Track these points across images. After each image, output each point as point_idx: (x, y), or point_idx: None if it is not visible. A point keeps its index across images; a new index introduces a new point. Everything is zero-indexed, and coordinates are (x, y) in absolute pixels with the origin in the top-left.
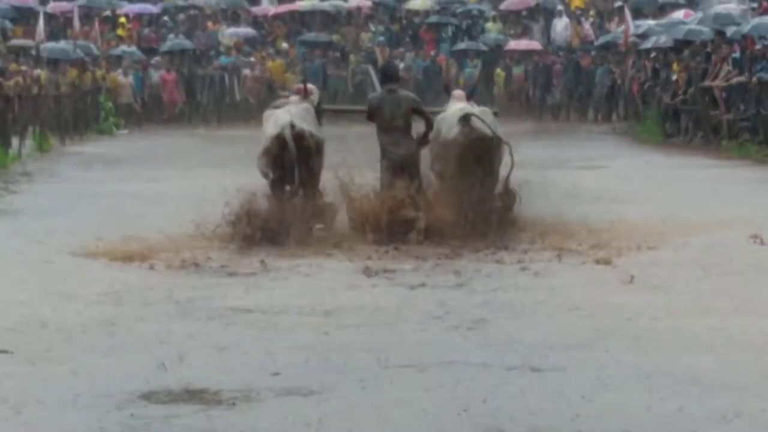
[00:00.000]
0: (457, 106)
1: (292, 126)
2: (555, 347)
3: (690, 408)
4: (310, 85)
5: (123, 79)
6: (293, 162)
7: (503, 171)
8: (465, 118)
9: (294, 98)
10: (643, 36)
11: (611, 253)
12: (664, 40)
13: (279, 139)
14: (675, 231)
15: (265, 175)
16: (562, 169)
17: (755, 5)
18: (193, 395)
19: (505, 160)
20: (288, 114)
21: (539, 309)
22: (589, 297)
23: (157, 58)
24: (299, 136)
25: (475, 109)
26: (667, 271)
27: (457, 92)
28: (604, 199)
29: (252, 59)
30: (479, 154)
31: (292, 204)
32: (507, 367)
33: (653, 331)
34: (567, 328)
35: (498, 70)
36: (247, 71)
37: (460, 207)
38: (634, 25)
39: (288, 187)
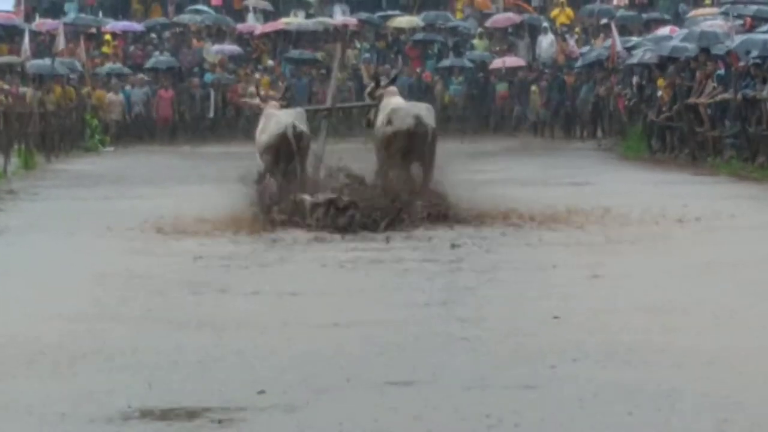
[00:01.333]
0: (394, 99)
1: (294, 127)
2: None
3: None
4: None
5: (113, 96)
6: (293, 155)
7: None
8: (417, 117)
9: (274, 103)
10: (631, 49)
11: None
12: (649, 56)
13: (282, 137)
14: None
15: (267, 165)
16: (543, 186)
17: (740, 22)
18: (179, 414)
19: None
20: (290, 117)
21: None
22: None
23: (141, 75)
24: (299, 136)
25: (420, 105)
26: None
27: (392, 88)
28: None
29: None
30: (421, 143)
31: (289, 186)
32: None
33: None
34: None
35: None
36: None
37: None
38: (620, 42)
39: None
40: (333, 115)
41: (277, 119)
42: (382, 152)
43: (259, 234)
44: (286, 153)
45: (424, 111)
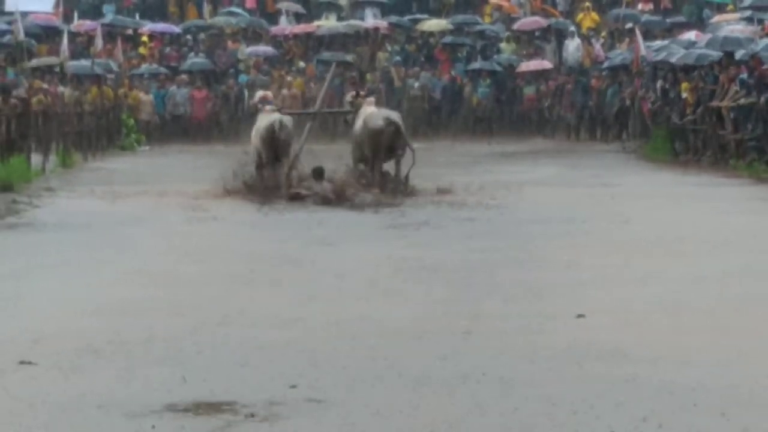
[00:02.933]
0: (371, 108)
1: (281, 121)
2: None
3: None
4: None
5: (144, 96)
6: (278, 144)
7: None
8: (388, 118)
9: (269, 107)
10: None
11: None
12: (675, 60)
13: (270, 128)
14: None
15: (259, 155)
16: (568, 187)
17: (760, 27)
18: (213, 407)
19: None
20: (278, 114)
21: None
22: None
23: (183, 76)
24: (284, 127)
25: (392, 112)
26: None
27: (369, 99)
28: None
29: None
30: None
31: (277, 172)
32: None
33: None
34: None
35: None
36: (285, 91)
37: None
38: (644, 46)
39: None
40: (317, 118)
41: (268, 118)
42: (365, 149)
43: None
44: (274, 142)
45: (394, 115)
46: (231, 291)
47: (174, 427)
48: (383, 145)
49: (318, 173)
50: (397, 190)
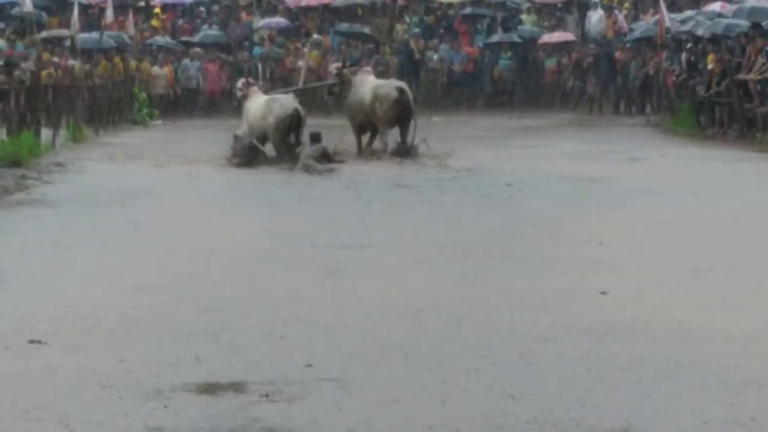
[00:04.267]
0: (370, 77)
1: (297, 110)
2: None
3: None
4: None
5: (158, 70)
6: (297, 128)
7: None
8: (399, 88)
9: (254, 88)
10: (683, 22)
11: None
12: (702, 30)
13: (292, 116)
14: None
15: (278, 140)
16: (591, 161)
17: None
18: (227, 387)
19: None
20: (291, 101)
21: None
22: None
23: (197, 49)
24: (303, 116)
25: (400, 82)
26: None
27: (366, 68)
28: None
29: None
30: (405, 107)
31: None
32: None
33: None
34: None
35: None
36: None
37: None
38: (669, 17)
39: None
40: (302, 94)
41: (281, 102)
42: (375, 118)
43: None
44: (293, 127)
45: (403, 84)
46: (246, 269)
47: (187, 407)
48: (396, 115)
49: (315, 137)
50: (406, 155)
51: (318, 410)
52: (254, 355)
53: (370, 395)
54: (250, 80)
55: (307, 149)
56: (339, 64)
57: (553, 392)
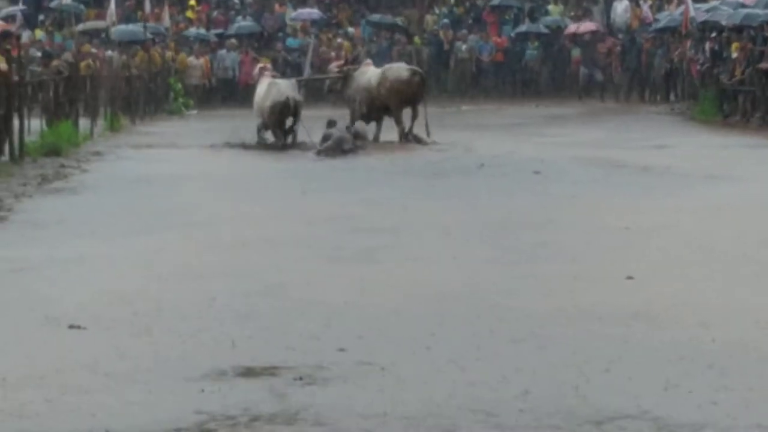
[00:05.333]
0: (371, 68)
1: (289, 98)
2: None
3: None
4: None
5: (194, 60)
6: (290, 116)
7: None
8: (413, 70)
9: (266, 73)
10: (707, 11)
11: None
12: (725, 21)
13: (285, 104)
14: None
15: (272, 123)
16: (619, 149)
17: None
18: (261, 371)
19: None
20: (288, 88)
21: None
22: None
23: (232, 40)
24: (297, 103)
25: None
26: None
27: (367, 60)
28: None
29: None
30: (418, 88)
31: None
32: None
33: None
34: None
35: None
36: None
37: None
38: (693, 7)
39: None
40: (307, 84)
41: (278, 89)
42: (388, 101)
43: None
44: (287, 114)
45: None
46: (281, 255)
47: (223, 390)
48: (408, 95)
49: (331, 123)
50: (418, 141)
51: (351, 393)
52: (288, 339)
53: (402, 378)
54: (267, 66)
55: (336, 133)
56: (341, 62)
57: (578, 376)
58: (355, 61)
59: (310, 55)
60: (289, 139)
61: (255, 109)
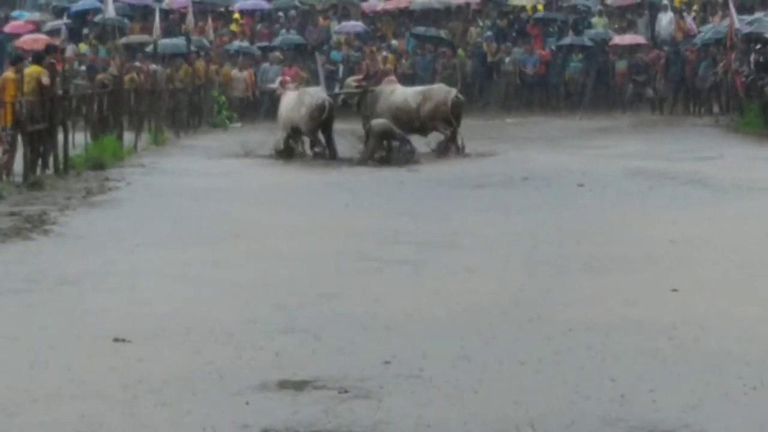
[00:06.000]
0: (395, 86)
1: (325, 101)
2: None
3: None
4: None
5: (238, 73)
6: (328, 121)
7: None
8: (455, 93)
9: (289, 85)
10: (751, 24)
11: None
12: None
13: (322, 106)
14: None
15: (310, 130)
16: (666, 161)
17: None
18: (305, 384)
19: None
20: (321, 92)
21: None
22: None
23: (276, 53)
24: (332, 107)
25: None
26: None
27: (390, 77)
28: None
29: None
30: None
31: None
32: None
33: None
34: None
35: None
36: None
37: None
38: (738, 19)
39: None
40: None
41: (309, 94)
42: (436, 121)
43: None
44: (323, 119)
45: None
46: (326, 267)
47: (268, 403)
48: (453, 116)
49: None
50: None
51: (396, 406)
52: (333, 351)
53: (446, 391)
54: (287, 79)
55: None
56: (360, 77)
57: (623, 388)
58: (374, 77)
59: (321, 70)
60: (319, 150)
61: (280, 122)
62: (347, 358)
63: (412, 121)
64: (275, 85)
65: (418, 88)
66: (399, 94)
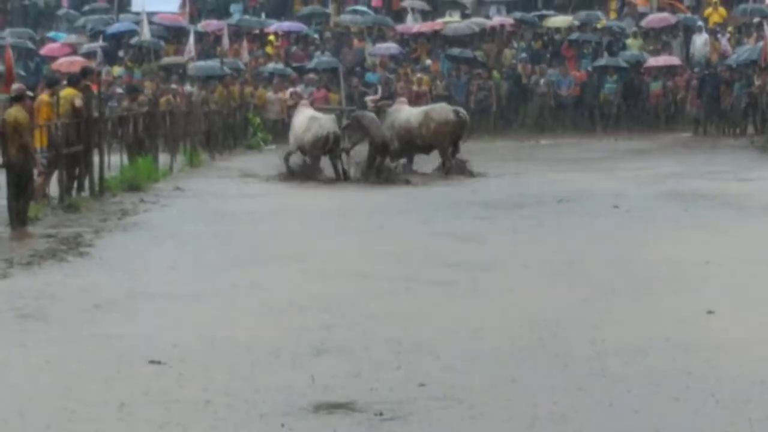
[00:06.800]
0: (406, 107)
1: (335, 132)
2: None
3: None
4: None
5: (273, 95)
6: (332, 151)
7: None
8: (457, 111)
9: (305, 102)
10: None
11: None
12: None
13: (326, 139)
14: None
15: (313, 157)
16: (700, 181)
17: None
18: (341, 406)
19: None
20: (329, 122)
21: None
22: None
23: (311, 75)
24: (336, 138)
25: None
26: None
27: (401, 99)
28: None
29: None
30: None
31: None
32: None
33: None
34: None
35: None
36: (415, 88)
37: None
38: None
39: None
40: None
41: (319, 123)
42: (437, 140)
43: None
44: (328, 147)
45: (460, 108)
46: (361, 291)
47: (304, 426)
48: (454, 136)
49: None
50: (462, 173)
51: (431, 429)
52: (368, 374)
53: (481, 414)
54: (298, 91)
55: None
56: (376, 97)
57: (660, 410)
58: (390, 98)
59: (343, 93)
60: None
61: (291, 140)
62: (382, 380)
63: (414, 140)
64: (287, 96)
65: (422, 108)
66: (403, 114)
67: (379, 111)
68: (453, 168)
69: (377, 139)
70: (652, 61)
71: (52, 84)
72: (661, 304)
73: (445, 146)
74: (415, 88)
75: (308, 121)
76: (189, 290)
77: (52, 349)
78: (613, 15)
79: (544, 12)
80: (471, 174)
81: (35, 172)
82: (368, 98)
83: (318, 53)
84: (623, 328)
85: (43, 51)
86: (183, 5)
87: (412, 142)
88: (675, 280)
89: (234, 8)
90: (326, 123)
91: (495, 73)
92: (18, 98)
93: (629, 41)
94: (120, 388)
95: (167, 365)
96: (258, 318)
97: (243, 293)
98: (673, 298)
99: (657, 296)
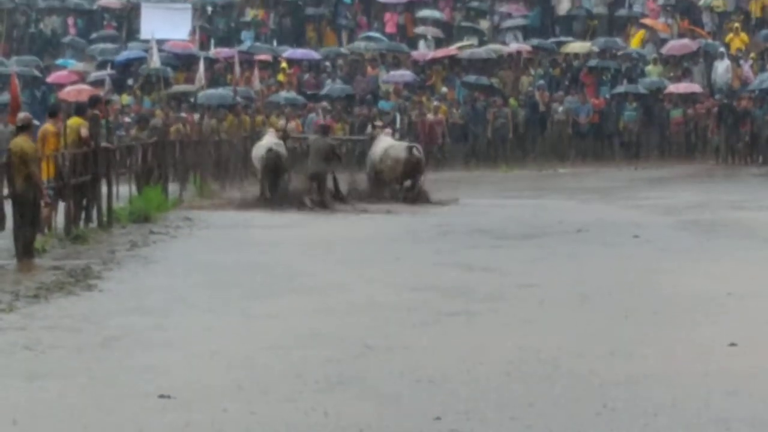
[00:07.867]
0: (388, 138)
1: (271, 150)
2: None
3: None
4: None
5: (283, 124)
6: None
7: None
8: (410, 148)
9: (387, 130)
10: None
11: None
12: None
13: (269, 158)
14: None
15: (263, 177)
16: (720, 211)
17: None
18: None
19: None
20: (404, 149)
21: None
22: None
23: (324, 103)
24: (278, 157)
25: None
26: None
27: (387, 130)
28: None
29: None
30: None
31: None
32: None
33: None
34: None
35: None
36: (430, 116)
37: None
38: None
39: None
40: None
41: (258, 147)
42: (385, 174)
43: None
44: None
45: (416, 147)
46: (377, 322)
47: None
48: (408, 172)
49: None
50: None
51: None
52: (383, 406)
53: None
54: (381, 123)
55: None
56: (380, 123)
57: None
58: (387, 126)
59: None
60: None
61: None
62: (397, 413)
63: (375, 173)
64: (369, 129)
65: (388, 143)
66: (379, 145)
67: (372, 139)
68: (411, 198)
69: (309, 168)
70: (673, 88)
71: (54, 113)
72: (683, 336)
73: (400, 182)
74: (431, 116)
75: (385, 150)
76: (198, 323)
77: (59, 383)
78: (635, 42)
79: (562, 38)
80: (431, 202)
81: (41, 203)
82: (377, 123)
83: (329, 81)
84: (645, 359)
85: (50, 79)
86: (193, 32)
87: (377, 175)
88: (697, 312)
89: (245, 35)
90: (400, 149)
91: (512, 100)
92: (24, 127)
93: (649, 68)
94: (128, 423)
95: (177, 399)
96: (268, 351)
97: (253, 326)
98: (696, 330)
99: (679, 328)
